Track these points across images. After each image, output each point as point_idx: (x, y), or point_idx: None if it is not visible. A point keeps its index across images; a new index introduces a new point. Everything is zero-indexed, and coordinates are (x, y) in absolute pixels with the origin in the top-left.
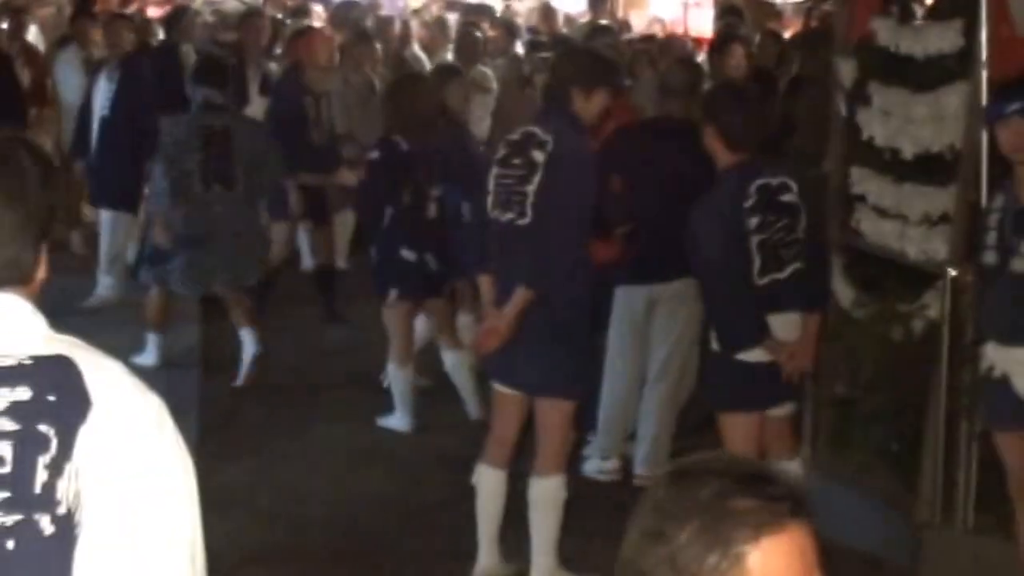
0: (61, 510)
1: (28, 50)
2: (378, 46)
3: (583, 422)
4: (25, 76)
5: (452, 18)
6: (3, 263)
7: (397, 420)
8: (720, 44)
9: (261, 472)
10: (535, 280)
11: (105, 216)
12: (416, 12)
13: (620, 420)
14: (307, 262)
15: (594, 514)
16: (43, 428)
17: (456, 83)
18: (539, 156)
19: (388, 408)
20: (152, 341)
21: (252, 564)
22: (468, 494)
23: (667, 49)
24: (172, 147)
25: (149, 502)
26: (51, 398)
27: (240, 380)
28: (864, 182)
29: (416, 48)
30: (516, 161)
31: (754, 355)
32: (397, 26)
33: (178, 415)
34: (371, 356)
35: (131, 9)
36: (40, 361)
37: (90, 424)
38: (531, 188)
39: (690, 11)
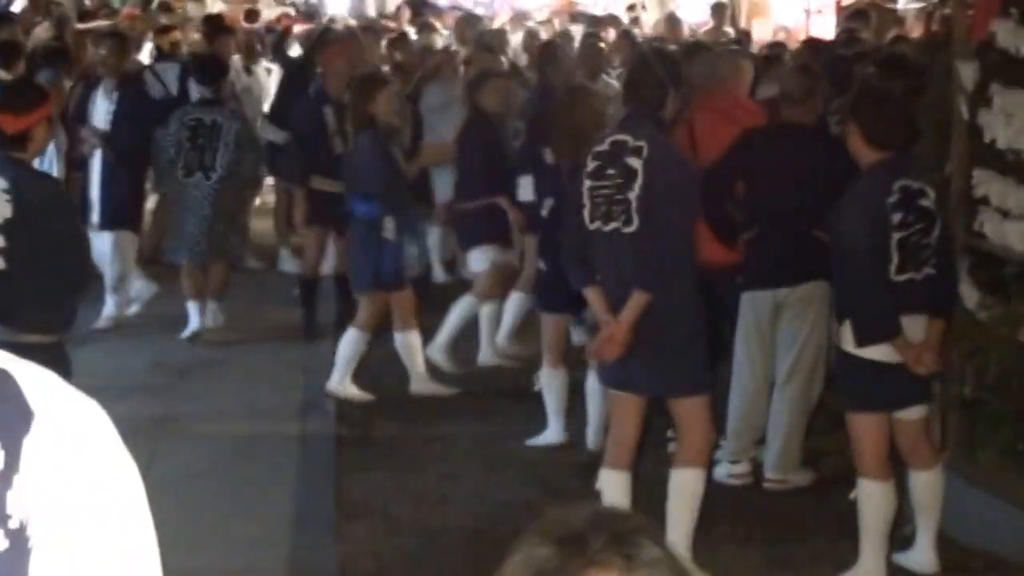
0: (13, 524)
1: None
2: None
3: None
4: None
5: (576, 30)
6: None
7: (551, 434)
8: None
9: (396, 481)
10: (650, 283)
11: (108, 237)
12: (541, 24)
13: (749, 424)
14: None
15: (724, 518)
16: None
17: (386, 93)
18: (635, 162)
19: (522, 415)
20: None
21: (389, 572)
22: (596, 501)
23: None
24: (166, 139)
25: (95, 512)
26: None
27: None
28: (987, 184)
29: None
30: (611, 171)
31: (884, 354)
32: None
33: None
34: (500, 367)
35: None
36: None
37: (33, 434)
38: (633, 195)
39: (812, 18)
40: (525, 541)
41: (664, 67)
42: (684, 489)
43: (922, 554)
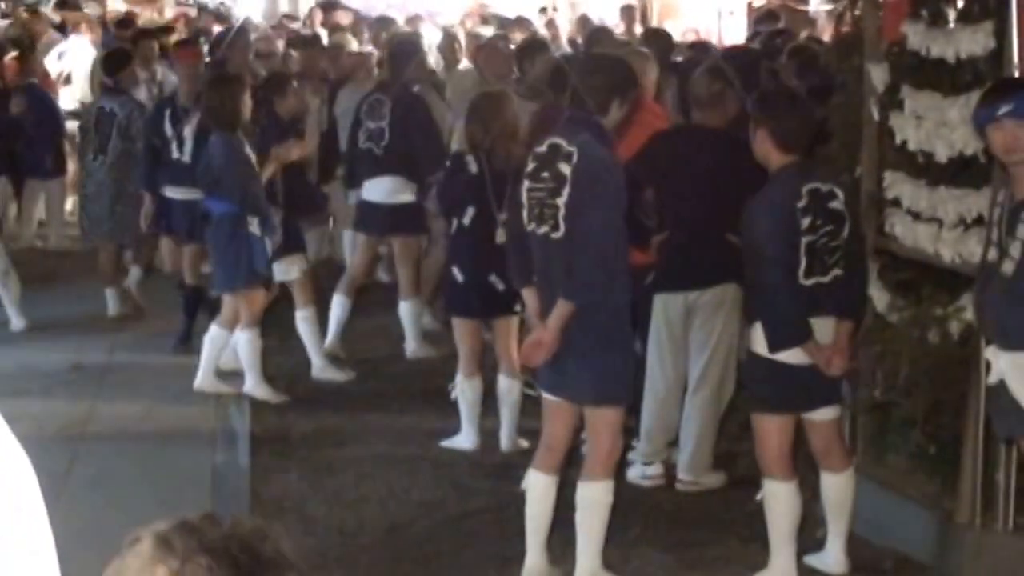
0: None
1: None
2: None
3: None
4: None
5: (486, 31)
6: None
7: (463, 438)
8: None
9: (311, 481)
10: (573, 293)
11: None
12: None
13: (662, 426)
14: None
15: (637, 519)
16: None
17: (247, 94)
18: (566, 169)
19: (434, 416)
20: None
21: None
22: (512, 501)
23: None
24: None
25: None
26: None
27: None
28: (898, 186)
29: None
30: (545, 174)
31: (794, 356)
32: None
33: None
34: (414, 365)
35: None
36: None
37: None
38: (561, 201)
39: (724, 19)
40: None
41: (611, 72)
42: (593, 503)
43: (832, 555)
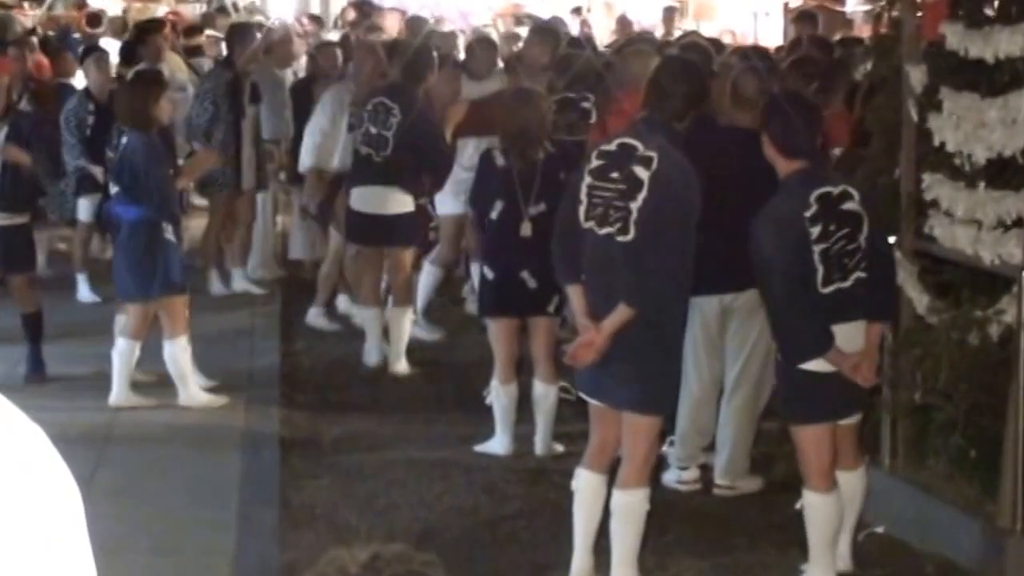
0: None
1: None
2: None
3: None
4: None
5: (522, 32)
6: None
7: (497, 443)
8: None
9: (341, 487)
10: (638, 299)
11: None
12: (485, 27)
13: (697, 430)
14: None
15: (673, 524)
16: None
17: (166, 95)
18: (643, 173)
19: (467, 421)
20: None
21: None
22: (546, 507)
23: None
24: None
25: (30, 538)
26: None
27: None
28: (936, 188)
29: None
30: (615, 175)
31: (821, 364)
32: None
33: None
34: (446, 369)
35: None
36: None
37: None
38: (635, 205)
39: (760, 21)
40: None
41: (693, 81)
42: (630, 510)
43: (839, 552)
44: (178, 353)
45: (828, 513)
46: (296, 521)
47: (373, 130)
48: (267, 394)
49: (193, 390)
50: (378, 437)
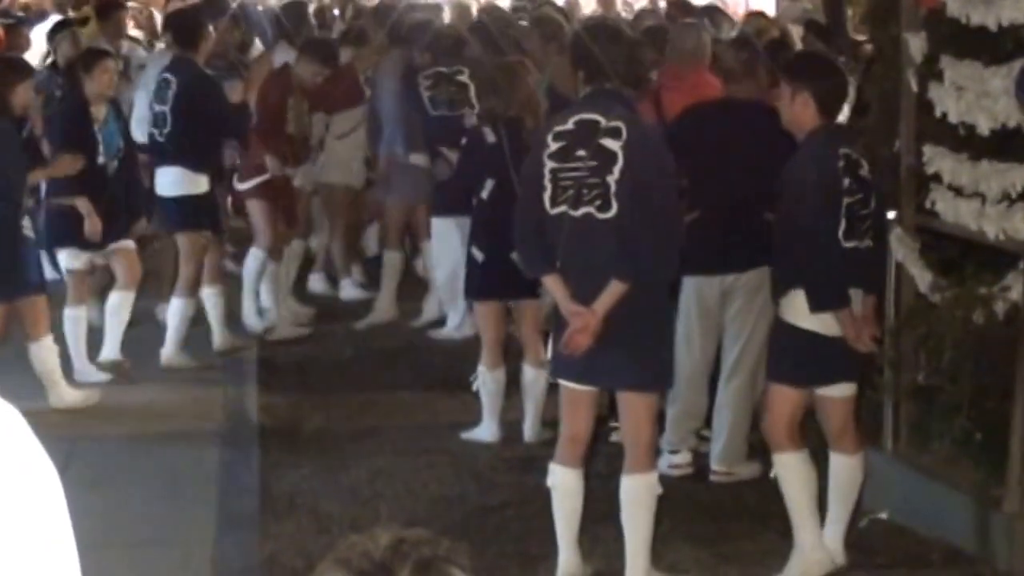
0: None
1: None
2: None
3: None
4: None
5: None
6: None
7: (484, 430)
8: None
9: (323, 477)
10: (630, 272)
11: None
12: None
13: (688, 412)
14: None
15: (668, 512)
16: None
17: (27, 83)
18: (613, 144)
19: (453, 407)
20: None
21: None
22: (534, 496)
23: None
24: None
25: (9, 520)
26: None
27: None
28: (938, 161)
29: None
30: (581, 152)
31: (824, 326)
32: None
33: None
34: (431, 354)
35: None
36: None
37: None
38: (612, 179)
39: None
40: (323, 572)
41: (611, 38)
42: (640, 498)
43: (829, 541)
44: (44, 354)
45: (803, 472)
46: (277, 512)
47: (156, 108)
48: (246, 381)
49: (63, 390)
50: (361, 424)
